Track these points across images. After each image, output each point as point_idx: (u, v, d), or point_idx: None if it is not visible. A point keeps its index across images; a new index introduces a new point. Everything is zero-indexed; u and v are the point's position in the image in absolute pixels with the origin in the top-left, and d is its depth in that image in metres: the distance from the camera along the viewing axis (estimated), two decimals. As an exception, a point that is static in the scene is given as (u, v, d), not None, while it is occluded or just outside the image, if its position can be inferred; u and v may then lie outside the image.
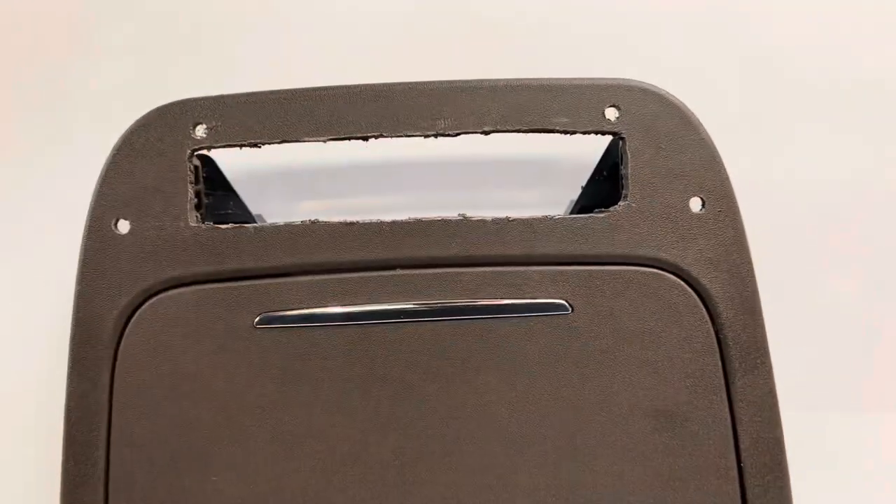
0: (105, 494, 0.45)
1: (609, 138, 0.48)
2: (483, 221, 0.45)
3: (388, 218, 0.46)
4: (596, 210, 0.46)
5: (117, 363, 0.46)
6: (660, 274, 0.45)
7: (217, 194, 0.52)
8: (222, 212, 0.53)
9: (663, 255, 0.45)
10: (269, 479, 0.45)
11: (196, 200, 0.46)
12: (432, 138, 0.46)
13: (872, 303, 0.59)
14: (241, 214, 0.54)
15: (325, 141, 0.46)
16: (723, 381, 0.45)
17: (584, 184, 0.53)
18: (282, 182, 0.58)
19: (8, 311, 0.58)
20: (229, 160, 0.52)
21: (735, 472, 0.44)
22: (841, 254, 0.59)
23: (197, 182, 0.48)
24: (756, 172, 0.58)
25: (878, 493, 0.58)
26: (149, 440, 0.45)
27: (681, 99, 0.46)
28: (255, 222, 0.54)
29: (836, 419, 0.59)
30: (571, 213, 0.54)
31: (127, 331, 0.46)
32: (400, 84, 0.46)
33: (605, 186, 0.52)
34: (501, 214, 0.46)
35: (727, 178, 0.46)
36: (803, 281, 0.59)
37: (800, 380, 0.57)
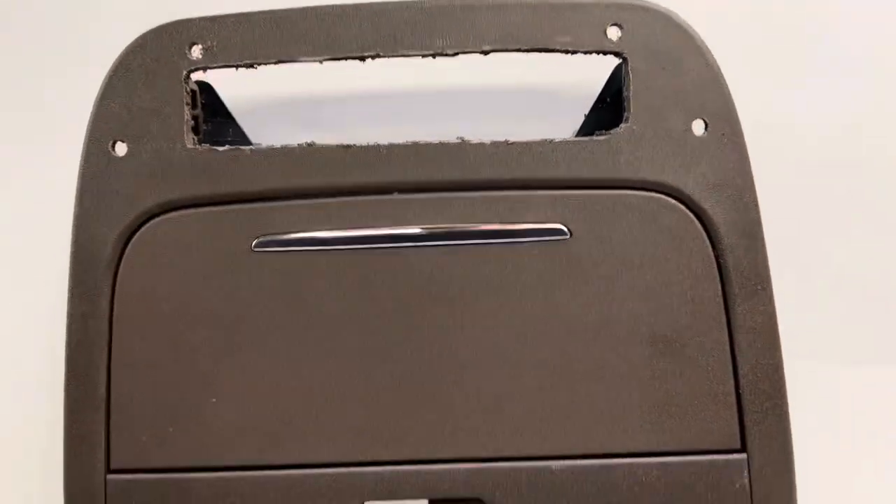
0: (107, 416, 0.45)
1: (614, 65, 0.47)
2: (482, 145, 0.45)
3: (385, 142, 0.45)
4: (597, 133, 0.45)
5: (117, 286, 0.46)
6: (661, 198, 0.45)
7: (216, 121, 0.52)
8: (221, 139, 0.53)
9: (665, 179, 0.45)
10: (268, 400, 0.45)
11: (193, 123, 0.46)
12: (430, 58, 0.45)
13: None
14: (240, 141, 0.54)
15: (321, 61, 0.45)
16: (723, 308, 0.45)
17: (587, 112, 0.52)
18: (280, 111, 0.57)
19: (8, 236, 0.58)
20: (228, 90, 0.51)
21: (733, 399, 0.44)
22: (845, 195, 0.58)
23: (194, 106, 0.47)
24: (759, 104, 0.57)
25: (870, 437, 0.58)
26: (148, 362, 0.45)
27: (684, 18, 0.44)
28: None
29: (834, 367, 0.58)
30: (578, 133, 0.53)
31: (126, 254, 0.46)
32: (397, 2, 0.45)
33: (608, 114, 0.51)
34: (501, 137, 0.45)
35: (731, 101, 0.45)
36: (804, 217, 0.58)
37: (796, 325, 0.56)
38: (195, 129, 0.46)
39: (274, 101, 0.56)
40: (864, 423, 0.59)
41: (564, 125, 0.56)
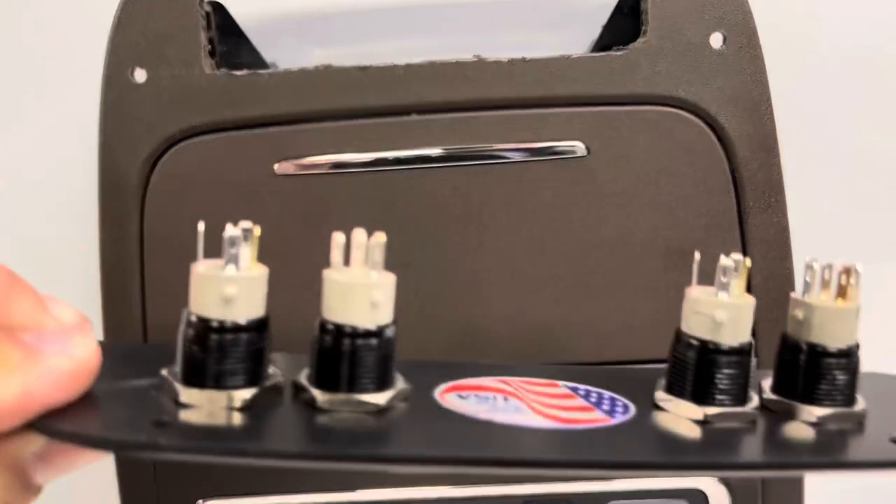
0: (144, 338, 0.47)
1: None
2: (498, 63, 0.45)
3: (401, 62, 0.45)
4: (614, 48, 0.45)
5: (145, 212, 0.47)
6: (678, 113, 0.45)
7: (230, 41, 0.52)
8: (236, 59, 0.53)
9: (682, 94, 0.45)
10: (294, 322, 0.47)
11: (210, 47, 0.46)
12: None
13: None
14: (255, 62, 0.54)
15: (335, -19, 0.45)
16: (737, 220, 0.46)
17: (605, 23, 0.52)
18: (294, 28, 0.57)
19: (38, 167, 0.59)
20: (238, 7, 0.51)
21: None
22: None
23: (209, 29, 0.47)
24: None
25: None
26: (179, 285, 0.47)
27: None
28: (267, 65, 0.54)
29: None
30: (591, 52, 0.53)
31: (151, 180, 0.47)
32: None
33: (626, 24, 0.51)
34: (517, 56, 0.45)
35: (750, 13, 0.44)
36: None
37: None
38: (212, 53, 0.46)
39: (284, 17, 0.56)
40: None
41: (583, 35, 0.55)
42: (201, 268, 0.31)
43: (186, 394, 0.30)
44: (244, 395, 0.31)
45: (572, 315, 0.46)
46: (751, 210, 0.46)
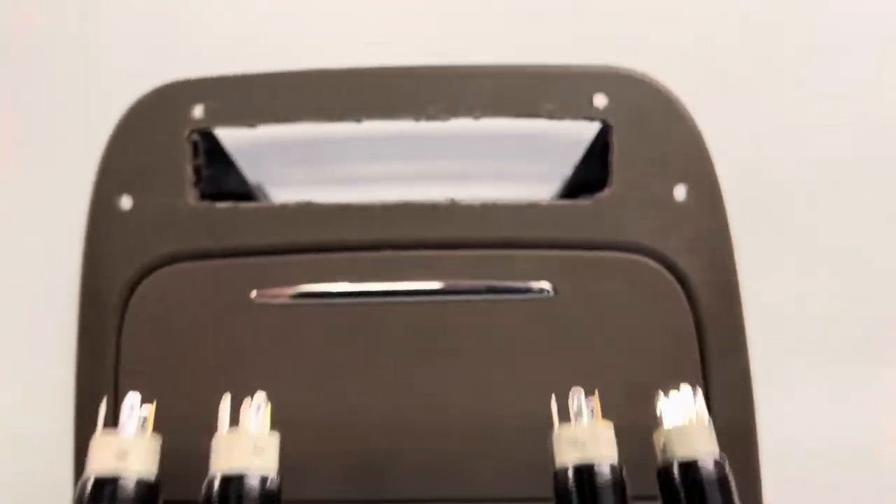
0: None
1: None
2: (470, 206, 0.47)
3: (378, 199, 0.47)
4: (581, 196, 0.47)
5: (122, 334, 0.48)
6: (642, 260, 0.47)
7: (217, 166, 0.54)
8: (222, 184, 0.55)
9: (646, 242, 0.46)
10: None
11: (195, 178, 0.48)
12: (424, 121, 0.47)
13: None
14: (241, 186, 0.56)
15: (318, 123, 0.47)
16: (699, 364, 0.47)
17: (576, 163, 0.54)
18: (279, 149, 0.59)
19: (20, 286, 0.60)
20: (227, 132, 0.53)
21: None
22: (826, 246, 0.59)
23: (196, 157, 0.49)
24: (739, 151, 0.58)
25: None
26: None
27: (668, 85, 0.46)
28: (255, 193, 0.56)
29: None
30: (564, 189, 0.55)
31: (131, 303, 0.48)
32: (393, 68, 0.47)
33: (597, 166, 0.53)
34: (489, 199, 0.47)
35: (712, 167, 0.46)
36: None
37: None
38: (196, 182, 0.48)
39: (269, 141, 0.58)
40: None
41: (555, 166, 0.57)
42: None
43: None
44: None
45: (534, 451, 0.47)
46: (713, 354, 0.47)
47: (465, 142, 0.59)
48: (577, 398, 0.37)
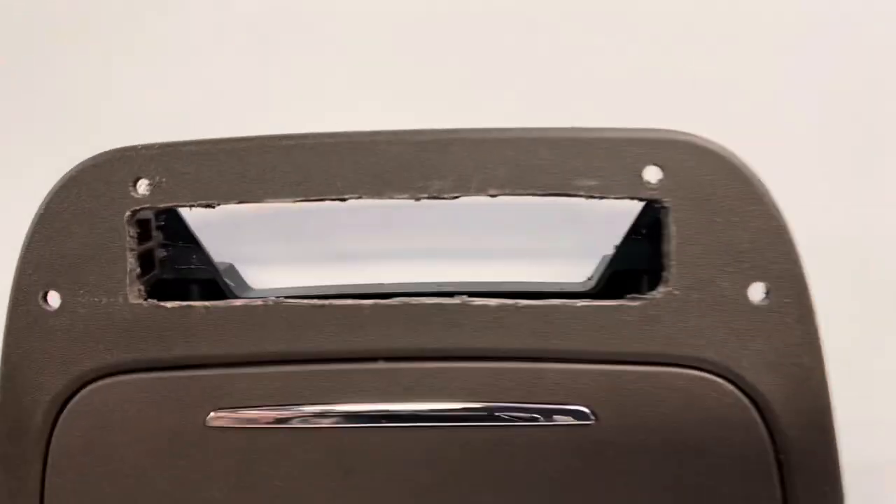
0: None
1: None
2: (486, 306, 0.37)
3: (368, 294, 0.37)
4: (628, 296, 0.36)
5: (48, 460, 0.39)
6: (707, 378, 0.36)
7: (177, 246, 0.44)
8: (183, 266, 0.45)
9: (712, 356, 0.36)
10: None
11: (139, 270, 0.38)
12: (424, 199, 0.37)
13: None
14: (206, 269, 0.46)
15: (292, 202, 0.37)
16: (781, 512, 0.36)
17: (619, 242, 0.43)
18: (255, 221, 0.49)
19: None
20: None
21: None
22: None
23: (145, 240, 0.40)
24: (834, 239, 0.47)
25: None
26: None
27: (742, 158, 0.36)
28: (221, 276, 0.46)
29: None
30: (602, 275, 0.44)
31: (59, 423, 0.38)
32: (385, 133, 0.37)
33: (643, 247, 0.43)
34: (509, 298, 0.36)
35: (798, 260, 0.36)
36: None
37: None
38: (142, 276, 0.38)
39: (246, 212, 0.48)
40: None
41: (590, 242, 0.47)
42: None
43: None
44: None
45: None
46: (798, 501, 0.36)
47: (476, 211, 0.49)
48: None
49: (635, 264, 0.43)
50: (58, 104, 0.50)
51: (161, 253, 0.44)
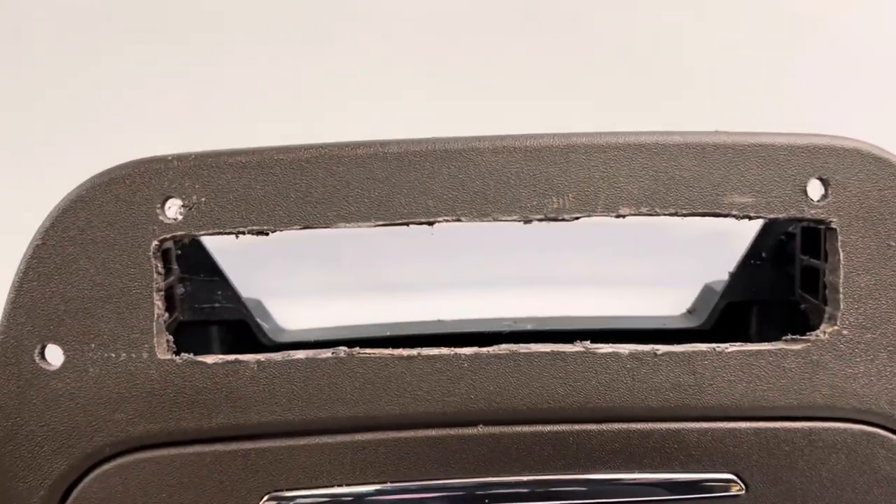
0: None
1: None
2: (616, 356, 0.29)
3: (462, 352, 0.29)
4: (786, 338, 0.30)
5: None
6: (880, 434, 0.30)
7: (198, 279, 0.35)
8: (205, 305, 0.36)
9: (884, 407, 0.30)
10: None
11: (166, 316, 0.29)
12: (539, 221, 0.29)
13: None
14: (234, 308, 0.37)
15: (369, 227, 0.29)
16: (963, 591, 0.30)
17: (734, 268, 0.37)
18: (287, 244, 0.41)
19: None
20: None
21: None
22: None
23: (167, 275, 0.31)
24: None
25: None
26: None
27: (921, 169, 0.29)
28: (252, 316, 0.38)
29: None
30: (714, 309, 0.38)
31: (63, 513, 0.29)
32: (488, 138, 0.29)
33: (764, 274, 0.36)
34: (644, 347, 0.30)
35: (984, 291, 0.30)
36: None
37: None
38: (171, 324, 0.30)
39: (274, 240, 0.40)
40: None
41: (682, 264, 0.40)
42: None
43: None
44: None
45: None
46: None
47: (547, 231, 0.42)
48: None
49: (752, 295, 0.36)
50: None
51: (179, 289, 0.35)
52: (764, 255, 0.37)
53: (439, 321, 0.39)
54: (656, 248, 0.43)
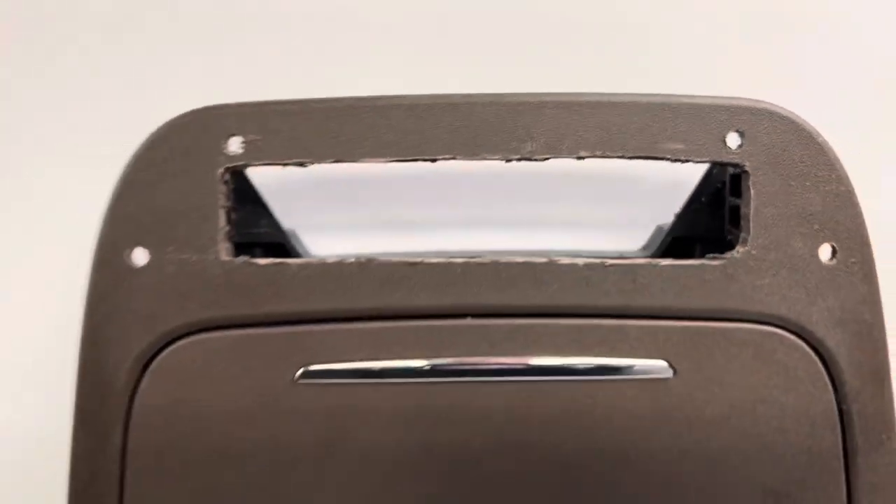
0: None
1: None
2: (574, 266, 0.38)
3: (458, 259, 0.38)
4: (709, 256, 0.38)
5: (131, 419, 0.38)
6: (779, 333, 0.38)
7: (245, 209, 0.44)
8: (252, 230, 0.45)
9: (785, 312, 0.38)
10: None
11: (228, 228, 0.38)
12: (516, 161, 0.38)
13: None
14: (274, 233, 0.46)
15: (386, 161, 0.38)
16: (842, 460, 0.39)
17: (679, 210, 0.45)
18: (316, 188, 0.50)
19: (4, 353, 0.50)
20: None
21: None
22: None
23: (229, 201, 0.40)
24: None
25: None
26: None
27: (815, 127, 0.38)
28: (289, 240, 0.46)
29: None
30: (663, 244, 0.46)
31: (143, 382, 0.38)
32: (481, 96, 0.38)
33: (704, 216, 0.45)
34: (594, 257, 0.38)
35: (863, 224, 0.38)
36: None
37: None
38: (230, 234, 0.38)
39: (308, 179, 0.49)
40: None
41: (643, 210, 0.49)
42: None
43: None
44: None
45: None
46: (858, 449, 0.39)
47: (539, 182, 0.50)
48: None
49: (694, 232, 0.45)
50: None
51: (232, 214, 0.44)
52: (703, 199, 0.45)
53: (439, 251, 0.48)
54: (624, 198, 0.51)
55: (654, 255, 0.46)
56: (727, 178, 0.42)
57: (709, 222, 0.44)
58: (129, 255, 0.38)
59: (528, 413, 0.38)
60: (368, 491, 0.38)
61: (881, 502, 0.39)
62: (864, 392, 0.39)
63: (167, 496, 0.38)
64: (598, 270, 0.38)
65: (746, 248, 0.38)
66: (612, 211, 0.52)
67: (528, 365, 0.38)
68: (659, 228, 0.47)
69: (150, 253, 0.38)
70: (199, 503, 0.38)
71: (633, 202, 0.50)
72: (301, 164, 0.38)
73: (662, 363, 0.38)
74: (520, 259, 0.38)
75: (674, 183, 0.46)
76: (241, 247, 0.45)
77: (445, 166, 0.39)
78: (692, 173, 0.44)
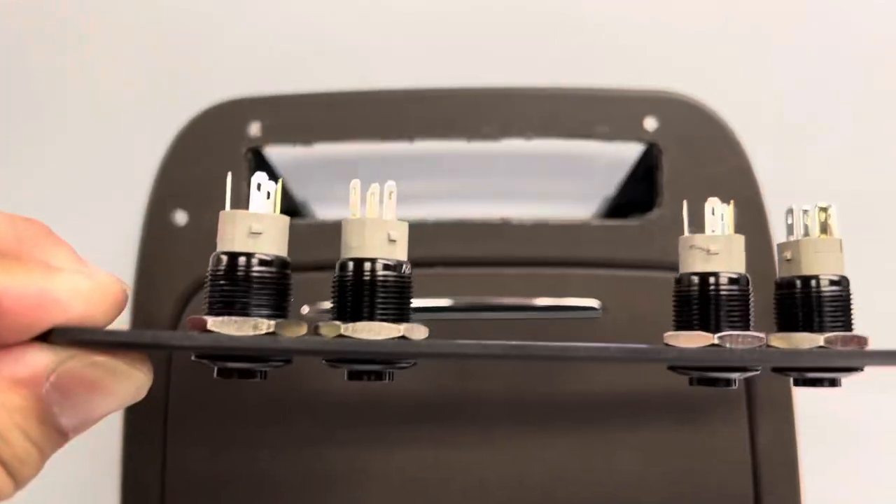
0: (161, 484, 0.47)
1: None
2: (522, 225, 0.48)
3: (431, 219, 0.48)
4: (630, 217, 0.48)
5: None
6: (689, 279, 0.47)
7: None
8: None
9: (693, 262, 0.47)
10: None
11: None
12: (476, 141, 0.48)
13: None
14: (288, 202, 0.56)
15: (374, 142, 0.48)
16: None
17: (619, 183, 0.55)
18: (324, 167, 0.60)
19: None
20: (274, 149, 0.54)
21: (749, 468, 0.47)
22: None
23: (251, 174, 0.50)
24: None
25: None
26: (204, 451, 0.47)
27: (720, 113, 0.47)
28: (302, 210, 0.57)
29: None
30: (607, 210, 0.56)
31: (183, 316, 0.48)
32: (447, 90, 0.47)
33: (640, 187, 0.54)
34: (540, 218, 0.48)
35: (758, 188, 0.47)
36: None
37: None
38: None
39: (318, 159, 0.59)
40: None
41: (595, 192, 0.59)
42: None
43: (213, 321, 0.30)
44: (269, 322, 0.31)
45: (584, 471, 0.47)
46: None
47: (510, 161, 0.60)
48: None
49: (633, 199, 0.54)
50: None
51: (253, 187, 0.54)
52: (639, 174, 0.54)
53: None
54: (582, 174, 0.61)
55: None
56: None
57: (643, 192, 0.53)
58: (172, 216, 0.48)
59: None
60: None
61: (776, 418, 0.48)
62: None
63: (203, 415, 0.48)
64: (542, 228, 0.48)
65: (661, 209, 0.47)
66: (575, 186, 0.61)
67: (488, 304, 0.48)
68: (605, 198, 0.57)
69: (189, 214, 0.48)
70: (229, 421, 0.48)
71: (587, 177, 0.60)
72: (307, 143, 0.48)
73: (595, 302, 0.48)
74: (479, 220, 0.48)
75: (620, 161, 0.55)
76: (261, 214, 0.55)
77: (422, 146, 0.49)
78: (632, 153, 0.53)
